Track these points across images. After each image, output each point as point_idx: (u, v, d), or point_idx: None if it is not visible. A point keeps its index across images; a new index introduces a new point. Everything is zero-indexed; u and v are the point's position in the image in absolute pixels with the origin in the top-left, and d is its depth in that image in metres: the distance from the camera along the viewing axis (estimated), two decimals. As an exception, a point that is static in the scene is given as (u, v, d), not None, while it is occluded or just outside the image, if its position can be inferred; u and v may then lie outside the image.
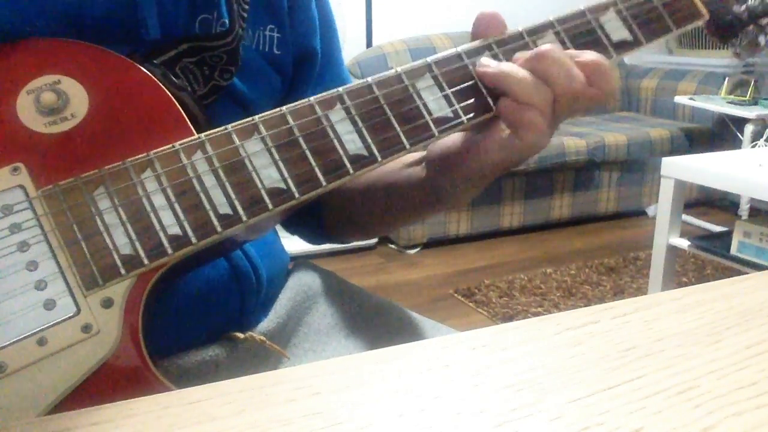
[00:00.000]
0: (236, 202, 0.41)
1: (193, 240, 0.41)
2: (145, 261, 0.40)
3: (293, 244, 0.73)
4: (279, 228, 0.66)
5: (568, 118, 0.49)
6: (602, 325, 0.39)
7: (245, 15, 0.53)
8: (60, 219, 0.39)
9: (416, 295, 2.38)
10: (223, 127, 0.42)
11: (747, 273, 0.56)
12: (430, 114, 0.46)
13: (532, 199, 2.97)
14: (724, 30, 0.59)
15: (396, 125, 0.45)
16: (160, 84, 0.44)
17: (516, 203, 2.94)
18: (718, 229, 2.66)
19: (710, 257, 2.08)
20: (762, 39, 0.59)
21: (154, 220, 0.40)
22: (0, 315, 0.38)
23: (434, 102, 0.46)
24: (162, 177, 0.41)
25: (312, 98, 0.44)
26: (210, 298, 0.53)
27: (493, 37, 0.49)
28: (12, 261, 0.38)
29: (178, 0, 0.50)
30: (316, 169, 0.43)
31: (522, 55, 0.47)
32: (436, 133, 0.46)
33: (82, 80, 0.42)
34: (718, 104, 3.06)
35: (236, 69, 0.52)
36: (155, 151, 0.41)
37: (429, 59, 0.47)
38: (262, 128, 0.43)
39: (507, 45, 0.49)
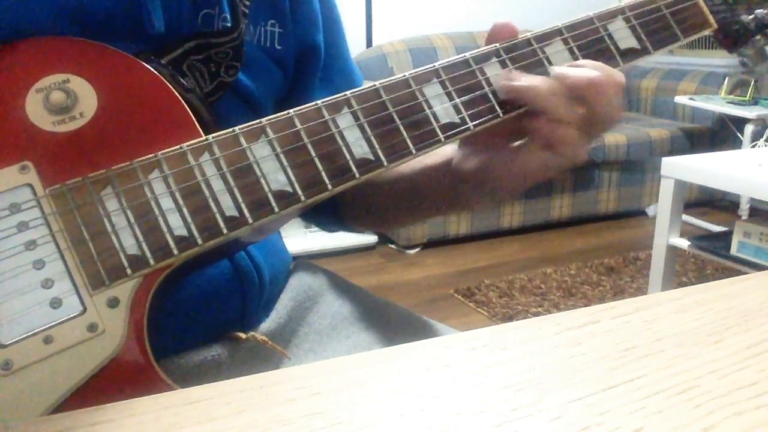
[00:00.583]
0: (242, 205, 0.42)
1: (199, 241, 0.41)
2: (151, 261, 0.40)
3: (294, 244, 0.74)
4: (282, 228, 0.66)
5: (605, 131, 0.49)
6: (602, 325, 0.39)
7: (246, 10, 0.53)
8: (67, 218, 0.40)
9: (416, 295, 2.38)
10: (230, 129, 0.43)
11: (747, 273, 0.56)
12: (437, 120, 0.46)
13: (532, 199, 2.97)
14: (732, 39, 0.59)
15: (403, 131, 0.45)
16: (169, 84, 0.44)
17: (516, 203, 2.94)
18: (718, 229, 2.66)
19: (710, 257, 2.07)
20: (769, 48, 0.59)
21: (161, 221, 0.40)
22: (6, 313, 0.38)
23: (441, 108, 0.47)
24: (169, 178, 0.41)
25: (320, 101, 0.44)
26: (212, 298, 0.53)
27: (501, 43, 0.49)
28: (19, 259, 0.39)
29: None
30: (323, 173, 0.43)
31: (560, 74, 0.47)
32: (443, 139, 0.46)
33: (90, 79, 0.42)
34: (718, 104, 3.06)
35: (241, 65, 0.52)
36: (163, 151, 0.41)
37: (437, 64, 0.47)
38: (269, 131, 0.43)
39: (515, 51, 0.49)
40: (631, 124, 3.31)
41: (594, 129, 0.47)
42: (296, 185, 0.43)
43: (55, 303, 0.39)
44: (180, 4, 0.50)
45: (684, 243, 1.96)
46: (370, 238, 2.81)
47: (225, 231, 0.41)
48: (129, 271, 0.40)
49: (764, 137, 2.89)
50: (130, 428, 0.30)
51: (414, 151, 0.45)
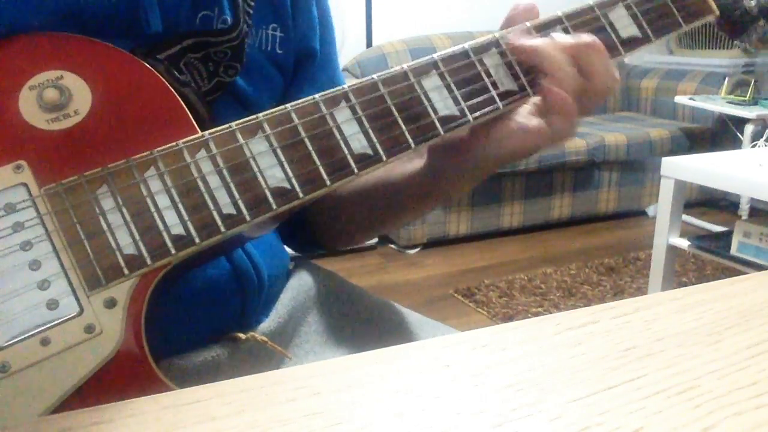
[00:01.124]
0: (240, 202, 0.41)
1: (197, 240, 0.40)
2: (149, 261, 0.40)
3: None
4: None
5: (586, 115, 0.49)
6: (602, 325, 0.39)
7: (251, 12, 0.53)
8: (63, 218, 0.39)
9: (416, 295, 2.38)
10: (227, 125, 0.42)
11: (747, 273, 0.56)
12: (435, 112, 0.46)
13: (532, 199, 2.97)
14: (734, 25, 0.58)
15: (401, 124, 0.45)
16: (164, 80, 0.43)
17: (516, 203, 2.94)
18: (718, 229, 2.66)
19: (710, 257, 2.07)
20: (772, 34, 0.59)
21: (158, 220, 0.40)
22: (3, 314, 0.38)
23: (440, 100, 0.46)
24: (165, 176, 0.41)
25: (317, 96, 0.44)
26: (212, 298, 0.53)
27: (500, 33, 0.49)
28: (15, 260, 0.38)
29: None
30: (321, 169, 0.43)
31: (563, 39, 0.48)
32: (442, 132, 0.46)
33: (84, 76, 0.42)
34: (718, 104, 3.06)
35: (241, 66, 0.52)
36: (159, 149, 0.41)
37: (435, 56, 0.47)
38: (266, 127, 0.42)
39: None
40: (631, 124, 3.31)
41: (590, 100, 0.48)
42: (294, 181, 0.42)
43: (52, 304, 0.38)
44: (178, 3, 0.50)
45: (684, 243, 1.96)
46: (370, 238, 2.81)
47: (223, 229, 0.41)
48: (126, 271, 0.39)
49: (764, 137, 2.89)
50: (130, 428, 0.30)
51: (413, 145, 0.45)
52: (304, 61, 0.61)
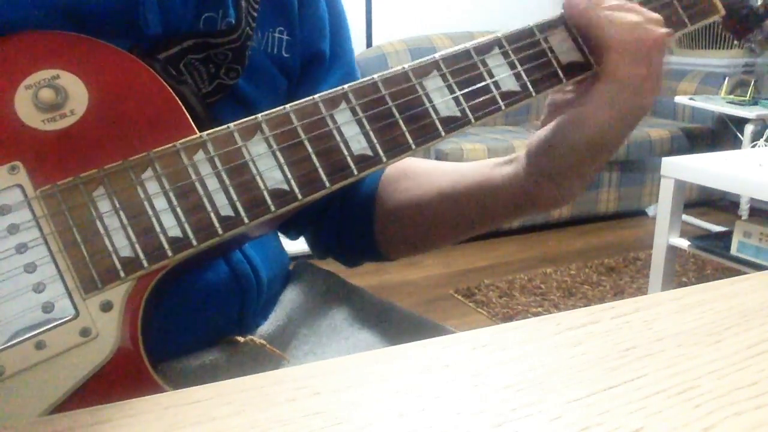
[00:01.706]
0: (238, 204, 0.41)
1: (194, 242, 0.40)
2: (145, 264, 0.39)
3: (293, 244, 0.73)
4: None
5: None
6: (602, 325, 0.39)
7: (255, 14, 0.52)
8: (59, 220, 0.39)
9: (416, 295, 2.38)
10: (225, 126, 0.42)
11: (747, 273, 0.56)
12: (437, 113, 0.45)
13: (532, 199, 2.96)
14: (740, 25, 0.58)
15: (402, 125, 0.44)
16: (161, 80, 0.43)
17: (516, 203, 2.93)
18: (718, 229, 2.66)
19: (710, 257, 2.08)
20: (779, 34, 0.59)
21: (155, 222, 0.40)
22: None
23: (441, 101, 0.46)
24: (162, 178, 0.40)
25: (317, 96, 0.43)
26: (210, 301, 0.53)
27: (502, 33, 0.48)
28: (10, 263, 0.38)
29: None
30: (320, 170, 0.42)
31: (625, 11, 0.48)
32: (443, 133, 0.45)
33: (81, 75, 0.41)
34: (718, 104, 3.06)
35: (243, 68, 0.51)
36: (155, 150, 0.40)
37: (437, 56, 0.47)
38: (265, 127, 0.42)
39: (517, 42, 0.48)
40: (631, 124, 3.30)
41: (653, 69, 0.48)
42: (293, 183, 0.42)
43: (47, 307, 0.38)
44: (179, 4, 0.50)
45: (684, 243, 1.96)
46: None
47: (220, 231, 0.40)
48: (122, 273, 0.39)
49: (764, 137, 2.89)
50: (130, 428, 0.30)
51: (413, 147, 0.45)
52: (312, 65, 0.61)
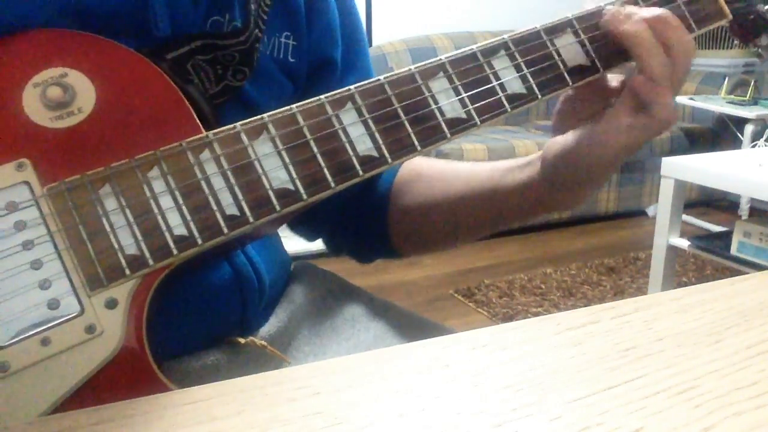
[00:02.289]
0: (243, 204, 0.41)
1: (199, 241, 0.40)
2: (150, 262, 0.39)
3: (294, 244, 0.73)
4: (281, 229, 0.66)
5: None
6: (602, 325, 0.39)
7: (265, 17, 0.52)
8: (65, 218, 0.39)
9: (416, 295, 2.38)
10: (231, 126, 0.42)
11: (747, 273, 0.56)
12: (443, 115, 0.46)
13: (532, 199, 2.96)
14: (748, 30, 0.58)
15: (408, 126, 0.45)
16: (168, 78, 0.43)
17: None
18: (718, 229, 2.66)
19: (710, 257, 2.08)
20: (786, 39, 0.59)
21: (160, 221, 0.40)
22: (3, 314, 0.37)
23: (447, 103, 0.46)
24: (169, 176, 0.40)
25: (323, 97, 0.44)
26: (212, 303, 0.53)
27: (509, 35, 0.49)
28: (16, 259, 0.38)
29: None
30: (325, 171, 0.43)
31: (638, 17, 0.47)
32: (449, 135, 0.46)
33: (89, 73, 0.41)
34: (718, 104, 3.06)
35: (250, 71, 0.51)
36: (162, 149, 0.41)
37: (443, 58, 0.47)
38: (271, 128, 0.42)
39: (524, 44, 0.49)
40: (631, 124, 3.30)
41: (677, 81, 0.48)
42: (298, 183, 0.42)
43: (53, 304, 0.38)
44: (188, 7, 0.50)
45: (684, 243, 1.96)
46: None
47: (225, 231, 0.41)
48: (128, 271, 0.39)
49: (764, 137, 2.89)
50: (130, 428, 0.30)
51: (419, 148, 0.45)
52: (321, 70, 0.60)
